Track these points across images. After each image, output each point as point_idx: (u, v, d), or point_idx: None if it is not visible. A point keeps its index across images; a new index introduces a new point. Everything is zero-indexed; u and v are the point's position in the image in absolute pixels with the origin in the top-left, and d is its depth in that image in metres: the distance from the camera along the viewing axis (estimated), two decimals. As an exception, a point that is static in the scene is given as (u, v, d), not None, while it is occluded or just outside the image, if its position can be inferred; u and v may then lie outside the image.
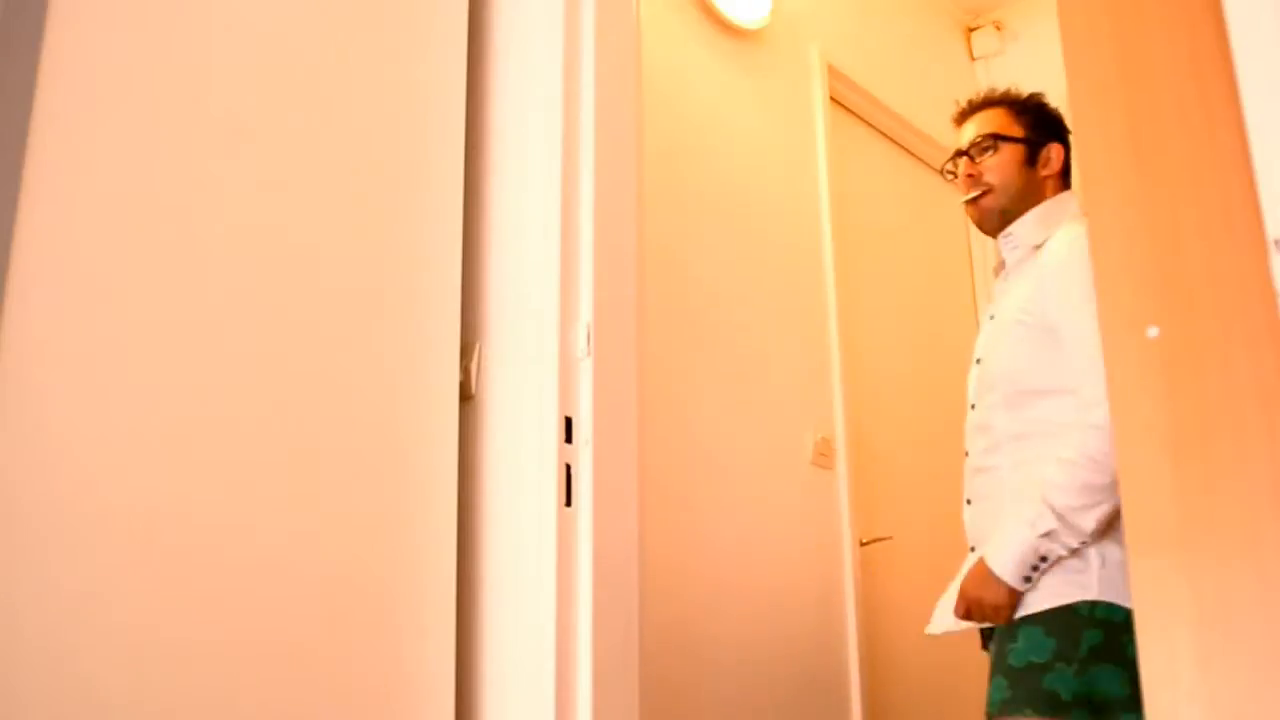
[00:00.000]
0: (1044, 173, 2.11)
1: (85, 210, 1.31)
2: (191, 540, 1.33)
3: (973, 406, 2.06)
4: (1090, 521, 1.79)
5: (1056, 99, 3.75)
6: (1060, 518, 1.79)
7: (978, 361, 2.07)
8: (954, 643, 3.00)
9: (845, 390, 2.87)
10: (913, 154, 3.59)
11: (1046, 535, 1.80)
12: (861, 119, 3.40)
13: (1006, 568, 1.83)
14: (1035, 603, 1.84)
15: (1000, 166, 2.10)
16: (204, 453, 1.36)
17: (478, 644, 1.62)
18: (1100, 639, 1.78)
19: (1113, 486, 1.78)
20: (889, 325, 3.28)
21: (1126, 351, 0.95)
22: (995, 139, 2.12)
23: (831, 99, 3.17)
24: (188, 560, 1.32)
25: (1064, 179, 2.13)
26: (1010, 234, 2.08)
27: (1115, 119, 1.01)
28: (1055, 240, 1.99)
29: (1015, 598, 1.85)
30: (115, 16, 1.38)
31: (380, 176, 1.65)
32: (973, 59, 3.97)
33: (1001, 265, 2.13)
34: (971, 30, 3.98)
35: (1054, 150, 2.12)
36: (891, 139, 3.53)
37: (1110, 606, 1.79)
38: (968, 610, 1.90)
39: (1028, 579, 1.83)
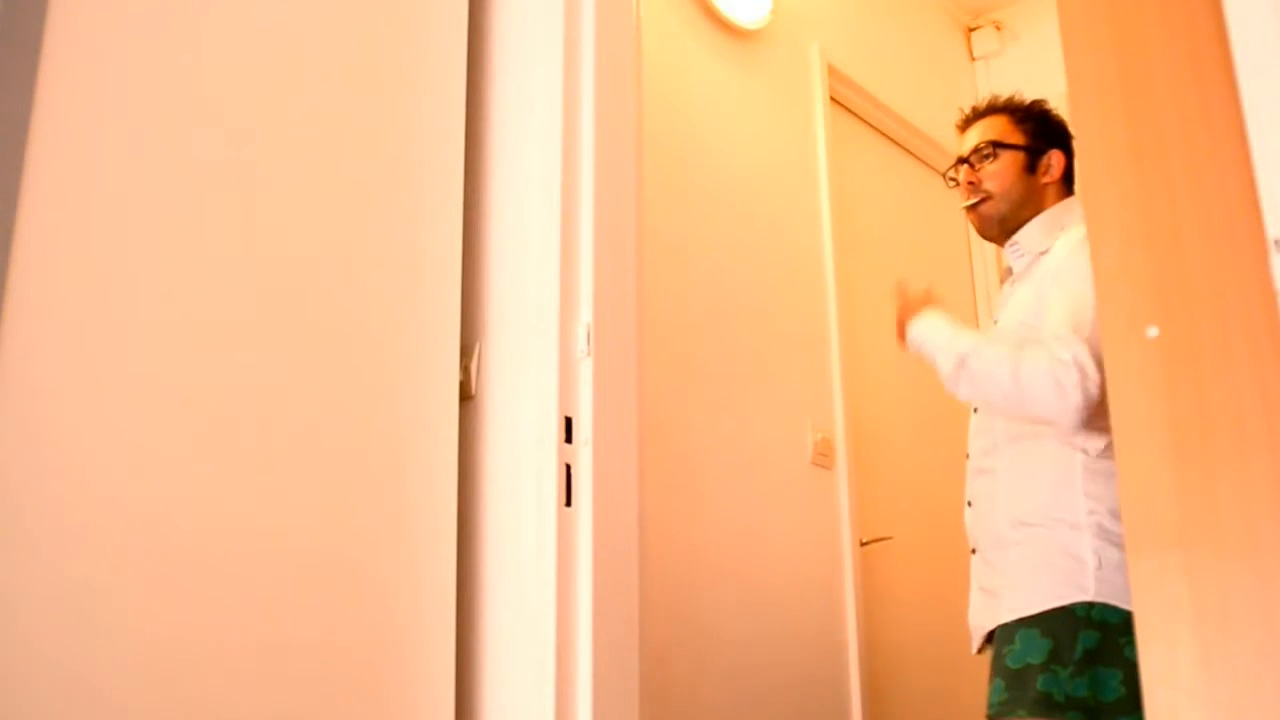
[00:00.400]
0: (1044, 180, 2.12)
1: (85, 210, 1.31)
2: (192, 540, 1.33)
3: (975, 410, 2.07)
4: (960, 386, 1.93)
5: (1056, 99, 3.75)
6: (959, 360, 1.91)
7: None
8: (954, 643, 3.00)
9: (845, 390, 2.87)
10: (913, 154, 3.59)
11: (944, 350, 1.95)
12: (861, 119, 3.40)
13: (916, 334, 2.03)
14: (1032, 604, 1.84)
15: (999, 174, 2.12)
16: (204, 452, 1.36)
17: (478, 644, 1.62)
18: (1096, 641, 1.78)
19: (1001, 397, 1.89)
20: (889, 325, 3.27)
21: (1126, 351, 0.95)
22: (995, 146, 2.13)
23: (831, 99, 3.17)
24: (188, 560, 1.32)
25: (1067, 185, 2.14)
26: (1016, 242, 2.10)
27: (1115, 119, 1.01)
28: (1058, 245, 2.01)
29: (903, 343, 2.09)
30: (115, 17, 1.38)
31: (380, 177, 1.65)
32: (973, 59, 3.97)
33: (1009, 272, 2.15)
34: (971, 30, 3.98)
35: (1054, 157, 2.13)
36: (891, 139, 3.53)
37: (1107, 608, 1.78)
38: (898, 313, 2.10)
39: (912, 348, 2.05)
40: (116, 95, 1.36)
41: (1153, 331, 0.93)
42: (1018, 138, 2.15)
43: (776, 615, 2.51)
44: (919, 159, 3.61)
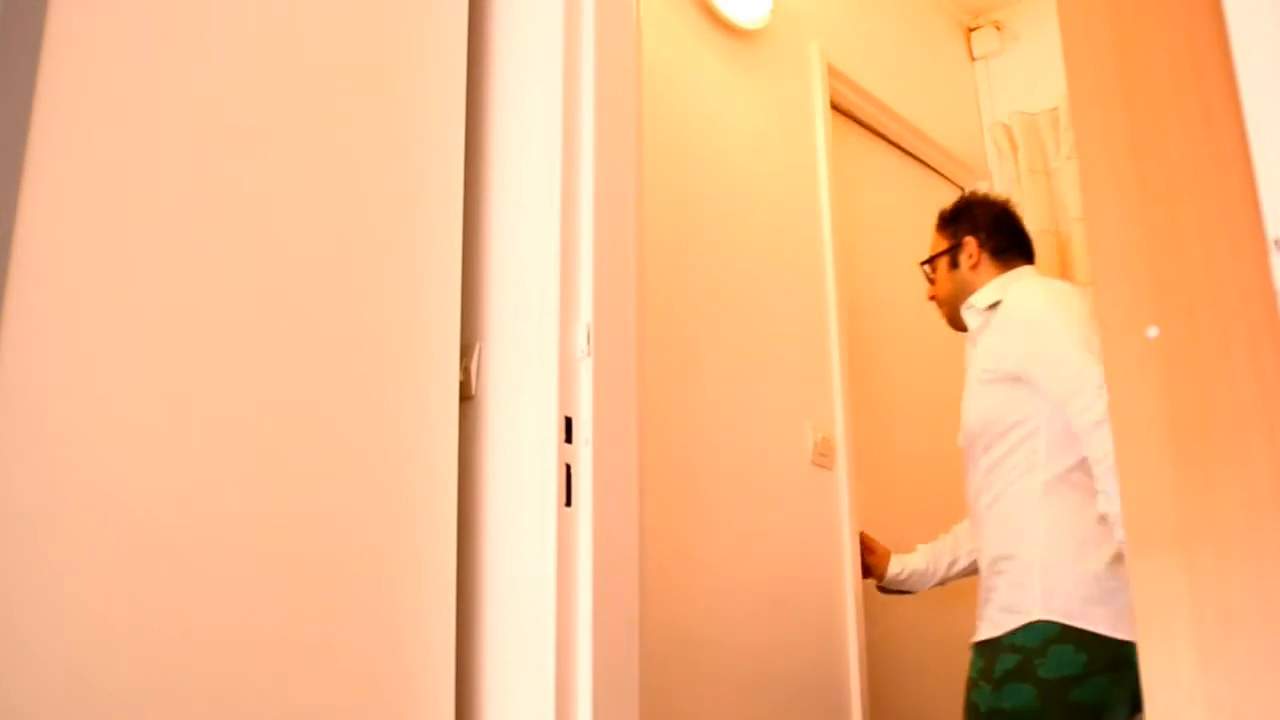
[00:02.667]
0: (967, 264, 2.49)
1: (85, 210, 1.31)
2: (192, 541, 1.33)
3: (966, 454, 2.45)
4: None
5: (1056, 99, 3.75)
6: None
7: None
8: (955, 643, 2.99)
9: (845, 390, 2.87)
10: (912, 154, 3.59)
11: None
12: (861, 119, 3.40)
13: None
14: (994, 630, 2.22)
15: (938, 282, 2.56)
16: (204, 453, 1.36)
17: (478, 644, 1.62)
18: (1014, 662, 2.12)
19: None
20: (889, 324, 3.28)
21: (1126, 351, 0.94)
22: (924, 265, 2.60)
23: (831, 99, 3.17)
24: (188, 561, 1.32)
25: (997, 258, 2.48)
26: (971, 304, 2.44)
27: (1115, 119, 1.01)
28: (1009, 296, 2.34)
29: None
30: (115, 16, 1.38)
31: (380, 176, 1.65)
32: (973, 59, 3.96)
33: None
34: (971, 30, 3.98)
35: (968, 244, 2.50)
36: (891, 139, 3.52)
37: (1030, 631, 2.12)
38: None
39: None
40: (116, 95, 1.36)
41: (1153, 331, 0.93)
42: (942, 244, 2.57)
43: (776, 615, 2.51)
44: (919, 159, 3.61)
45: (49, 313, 1.26)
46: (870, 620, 2.79)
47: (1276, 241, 0.86)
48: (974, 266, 2.46)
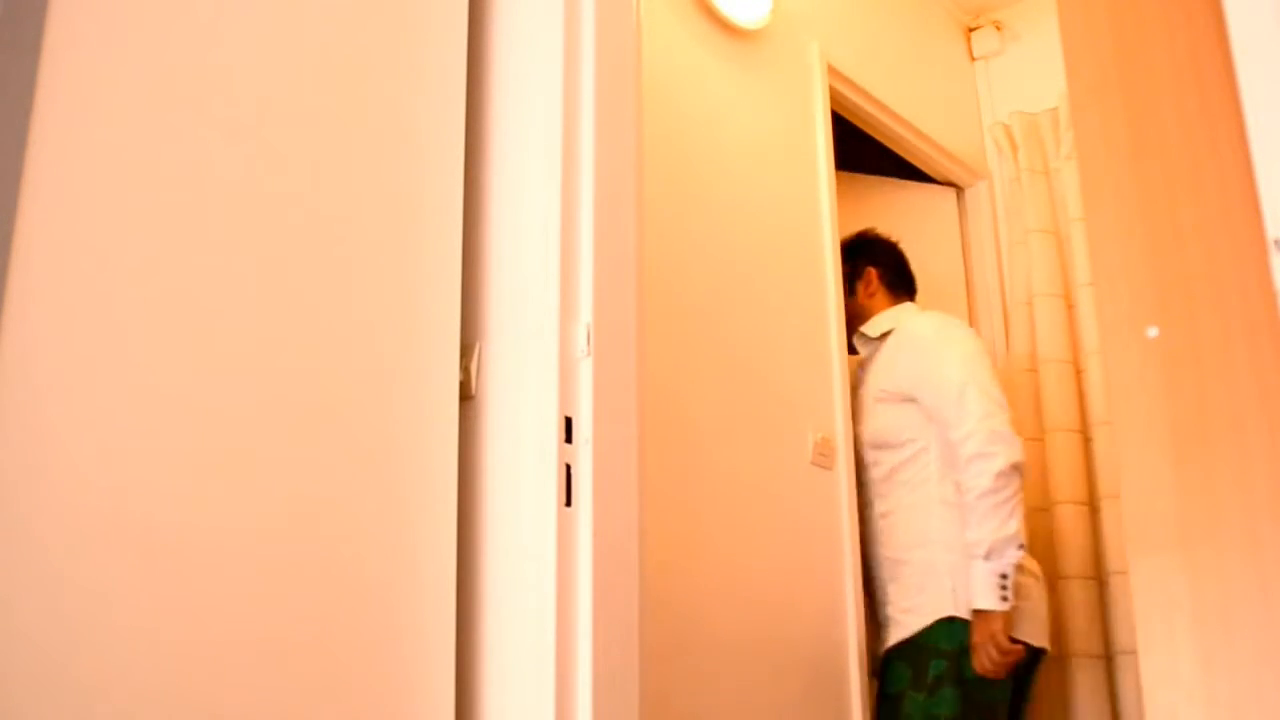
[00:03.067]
0: (865, 292, 2.78)
1: (85, 209, 1.31)
2: (191, 541, 1.33)
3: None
4: (1012, 525, 2.23)
5: (1056, 99, 3.74)
6: (989, 545, 2.22)
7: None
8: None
9: (845, 390, 2.87)
10: (911, 154, 3.59)
11: (990, 575, 2.22)
12: (861, 119, 3.40)
13: (986, 598, 2.23)
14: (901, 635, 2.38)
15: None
16: (204, 453, 1.36)
17: (478, 644, 1.62)
18: (944, 667, 2.23)
19: (1009, 484, 2.25)
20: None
21: (1126, 351, 0.95)
22: None
23: (832, 99, 3.17)
24: (187, 561, 1.32)
25: (892, 290, 2.76)
26: (861, 333, 2.73)
27: (1115, 119, 1.01)
28: (903, 325, 2.62)
29: (1006, 618, 2.22)
30: (115, 16, 1.38)
31: (380, 177, 1.65)
32: (973, 59, 3.96)
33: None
34: (971, 30, 3.98)
35: (869, 273, 2.79)
36: (890, 140, 3.52)
37: (949, 633, 2.24)
38: (992, 666, 2.24)
39: (1004, 598, 2.23)
40: (116, 95, 1.36)
41: (1153, 331, 0.93)
42: (843, 270, 2.82)
43: (776, 615, 2.51)
44: (918, 159, 3.61)
45: (49, 313, 1.26)
46: (870, 619, 2.79)
47: (1276, 241, 0.86)
48: (871, 295, 2.76)
